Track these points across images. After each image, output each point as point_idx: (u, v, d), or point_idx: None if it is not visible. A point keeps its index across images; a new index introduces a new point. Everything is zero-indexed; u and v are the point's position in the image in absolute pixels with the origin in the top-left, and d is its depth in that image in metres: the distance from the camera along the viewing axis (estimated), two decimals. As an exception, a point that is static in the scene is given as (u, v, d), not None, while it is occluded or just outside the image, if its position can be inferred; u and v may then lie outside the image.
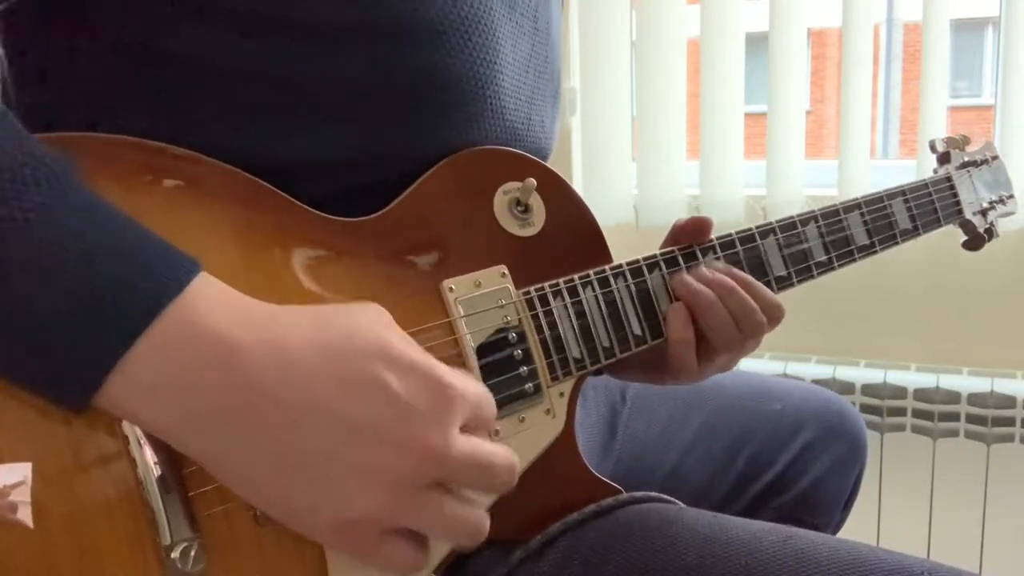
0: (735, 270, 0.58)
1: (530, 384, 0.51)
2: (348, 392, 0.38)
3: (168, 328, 0.36)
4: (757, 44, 1.38)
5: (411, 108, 0.51)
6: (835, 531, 0.79)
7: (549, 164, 0.57)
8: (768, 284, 0.60)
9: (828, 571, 0.44)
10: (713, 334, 0.57)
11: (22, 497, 0.36)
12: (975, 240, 0.79)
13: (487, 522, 0.42)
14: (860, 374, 1.29)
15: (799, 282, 0.62)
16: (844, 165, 1.32)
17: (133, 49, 0.47)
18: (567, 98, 1.46)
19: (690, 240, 0.59)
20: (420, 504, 0.39)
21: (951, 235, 0.80)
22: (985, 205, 0.80)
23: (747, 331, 0.57)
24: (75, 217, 0.37)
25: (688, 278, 0.57)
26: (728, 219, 1.38)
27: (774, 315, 0.59)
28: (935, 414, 1.24)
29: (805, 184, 1.37)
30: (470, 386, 0.41)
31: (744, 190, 1.40)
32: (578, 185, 1.46)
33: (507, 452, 0.42)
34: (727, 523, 0.49)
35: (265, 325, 0.39)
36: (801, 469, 0.74)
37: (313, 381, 0.38)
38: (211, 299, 0.38)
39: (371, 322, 0.41)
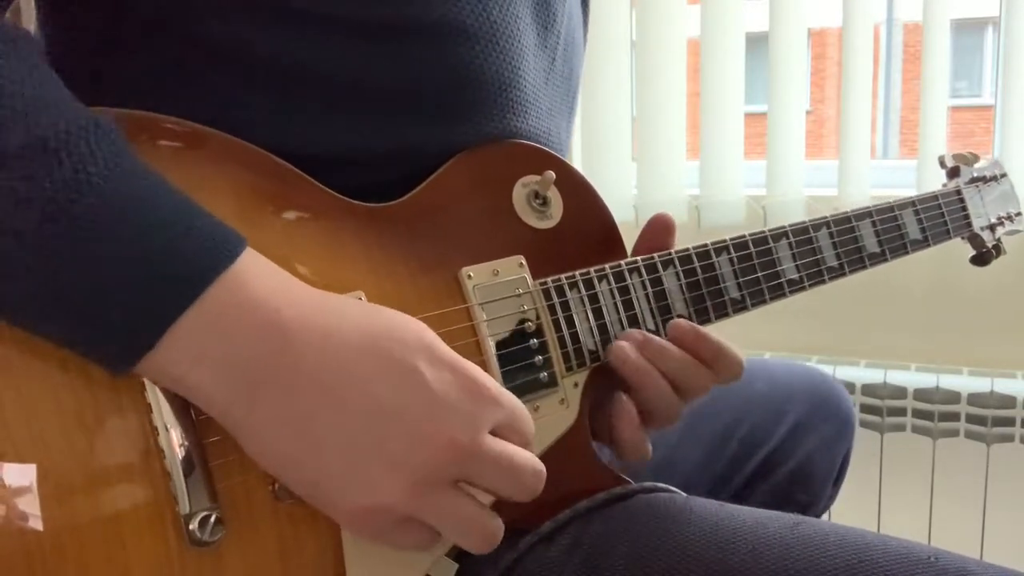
0: (697, 332, 0.54)
1: (545, 373, 0.51)
2: (384, 379, 0.39)
3: (218, 298, 0.38)
4: (757, 44, 1.38)
5: (440, 105, 0.52)
6: (827, 507, 0.80)
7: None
8: (780, 287, 0.61)
9: (835, 556, 0.44)
10: (649, 404, 0.53)
11: (30, 505, 0.37)
12: (983, 255, 0.80)
13: (501, 532, 0.43)
14: (860, 374, 1.29)
15: (811, 286, 0.63)
16: (844, 165, 1.32)
17: (167, 36, 0.47)
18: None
19: (658, 240, 0.58)
20: (439, 501, 0.40)
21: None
22: (993, 220, 0.80)
23: (688, 393, 0.54)
24: (131, 185, 0.38)
25: (626, 348, 0.52)
26: (728, 219, 1.39)
27: (730, 377, 0.55)
28: (935, 414, 1.24)
29: (805, 184, 1.37)
30: (505, 393, 0.42)
31: (744, 190, 1.40)
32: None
33: (534, 458, 0.42)
34: (734, 511, 0.49)
35: (311, 306, 0.40)
36: (792, 447, 0.75)
37: (352, 364, 0.39)
38: (258, 274, 0.40)
39: (415, 321, 0.42)
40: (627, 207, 1.43)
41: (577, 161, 1.48)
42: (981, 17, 5.86)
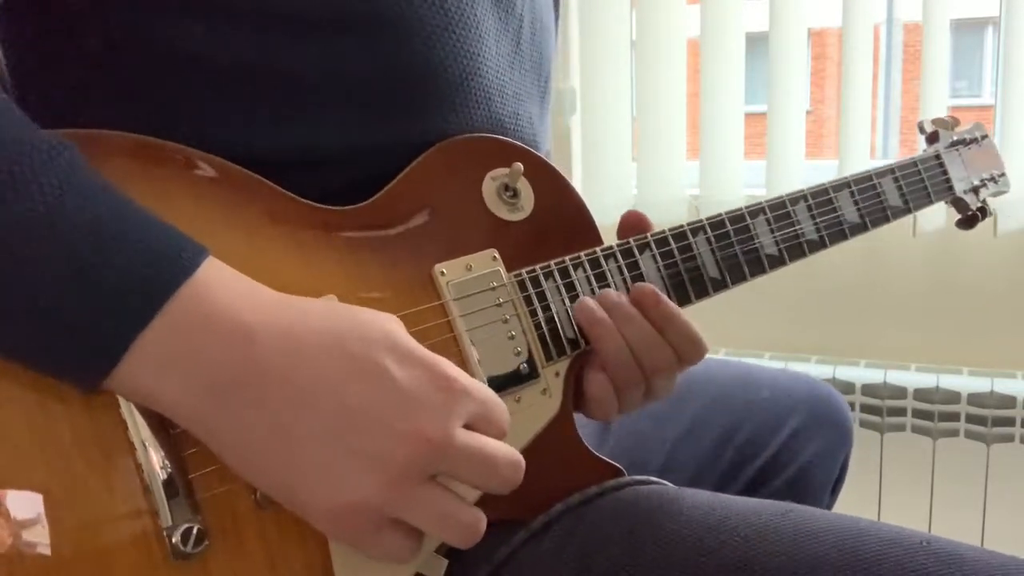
0: (659, 297, 0.54)
1: (524, 364, 0.51)
2: (351, 377, 0.39)
3: (180, 309, 0.38)
4: (757, 44, 1.38)
5: (397, 100, 0.51)
6: None
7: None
8: (760, 263, 0.60)
9: (826, 542, 0.44)
10: (609, 367, 0.53)
11: (39, 535, 0.37)
12: (969, 219, 0.79)
13: (483, 524, 0.42)
14: (860, 374, 1.29)
15: (791, 260, 0.62)
16: (844, 165, 1.32)
17: (123, 42, 0.47)
18: (567, 98, 1.46)
19: (633, 234, 0.58)
20: (416, 498, 0.40)
21: (950, 234, 0.81)
22: (976, 183, 0.79)
23: (649, 368, 0.54)
24: (88, 202, 0.38)
25: (590, 304, 0.53)
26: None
27: (689, 354, 0.54)
28: (935, 414, 1.24)
29: (805, 184, 1.37)
30: (477, 386, 0.42)
31: (744, 190, 1.40)
32: (578, 185, 1.47)
33: (511, 450, 0.42)
34: (726, 500, 0.49)
35: (275, 310, 0.40)
36: (791, 455, 0.74)
37: (317, 364, 0.39)
38: (220, 282, 0.40)
39: (380, 317, 0.42)
40: (627, 207, 1.42)
41: (577, 161, 1.48)
42: (981, 17, 5.85)
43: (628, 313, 0.53)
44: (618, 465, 0.54)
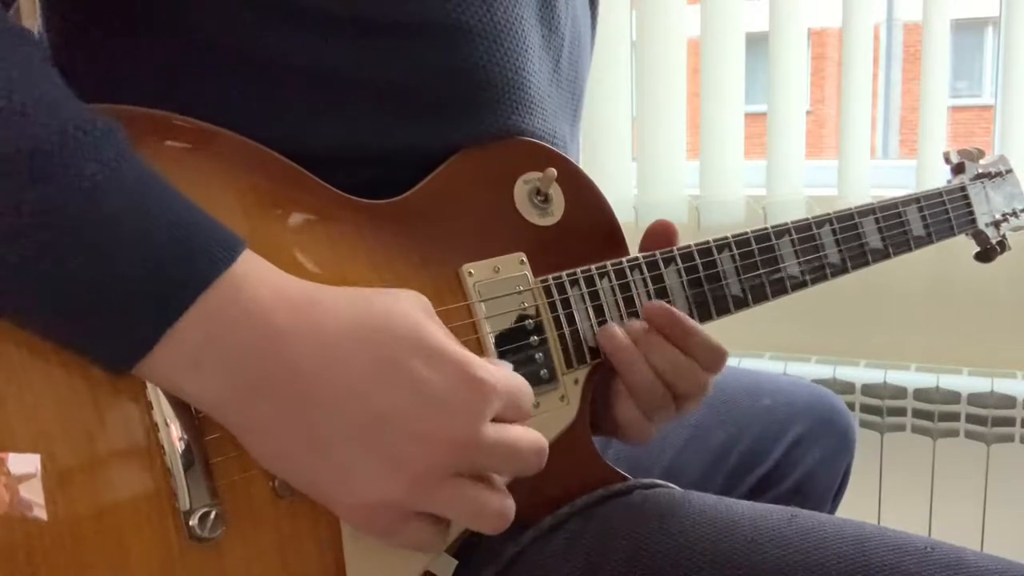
0: (671, 312, 0.53)
1: (545, 370, 0.51)
2: (379, 379, 0.39)
3: (214, 303, 0.38)
4: (757, 44, 1.38)
5: (445, 105, 0.52)
6: None
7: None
8: (782, 283, 0.61)
9: (833, 547, 0.44)
10: (636, 395, 0.53)
11: (34, 492, 0.37)
12: (987, 252, 0.80)
13: (512, 510, 0.42)
14: (860, 374, 1.29)
15: (812, 283, 0.62)
16: (844, 165, 1.32)
17: (170, 36, 0.47)
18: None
19: (659, 244, 0.58)
20: (442, 494, 0.40)
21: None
22: (998, 217, 0.80)
23: (682, 393, 0.53)
24: (130, 186, 0.37)
25: (615, 329, 0.53)
26: (728, 219, 1.39)
27: (712, 363, 0.54)
28: (935, 414, 1.25)
29: (805, 184, 1.37)
30: (505, 378, 0.42)
31: (744, 190, 1.40)
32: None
33: (535, 435, 0.42)
34: (732, 504, 0.49)
35: (304, 307, 0.40)
36: (793, 462, 0.74)
37: (346, 364, 0.39)
38: (255, 277, 0.39)
39: (411, 308, 0.42)
40: (627, 207, 1.43)
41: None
42: (981, 17, 5.86)
43: (654, 340, 0.53)
44: (625, 474, 0.54)
